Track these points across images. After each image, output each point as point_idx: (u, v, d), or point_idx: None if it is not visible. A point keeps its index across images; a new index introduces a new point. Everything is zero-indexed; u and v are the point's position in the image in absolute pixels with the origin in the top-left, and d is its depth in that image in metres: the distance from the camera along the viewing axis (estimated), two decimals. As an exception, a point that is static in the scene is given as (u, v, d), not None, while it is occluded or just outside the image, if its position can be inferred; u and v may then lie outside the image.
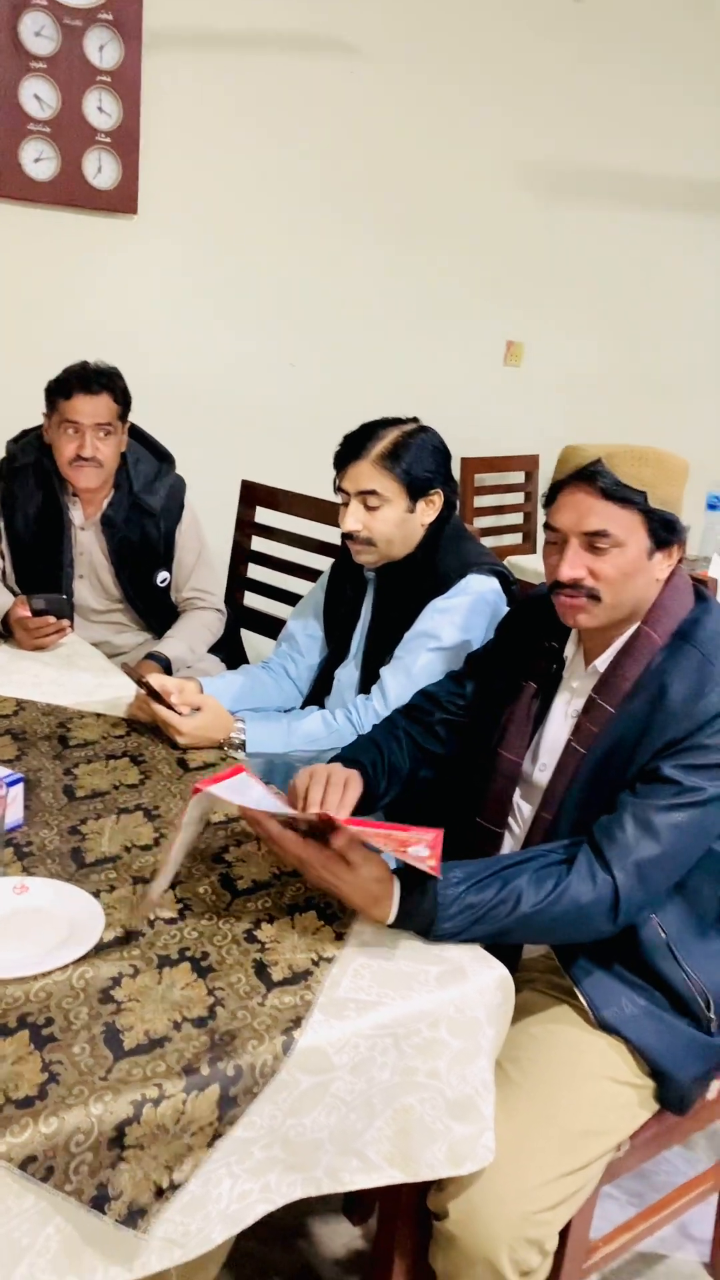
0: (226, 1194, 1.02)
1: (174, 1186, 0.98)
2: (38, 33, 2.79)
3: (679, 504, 1.37)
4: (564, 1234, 1.34)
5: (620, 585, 1.36)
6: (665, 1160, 1.99)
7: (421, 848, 1.19)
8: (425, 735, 1.63)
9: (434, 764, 1.63)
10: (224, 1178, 1.02)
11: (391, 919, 1.21)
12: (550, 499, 1.40)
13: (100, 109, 2.93)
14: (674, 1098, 1.38)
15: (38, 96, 2.83)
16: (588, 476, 1.34)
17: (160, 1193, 0.97)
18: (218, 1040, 1.02)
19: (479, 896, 1.22)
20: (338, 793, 1.39)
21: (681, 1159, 2.01)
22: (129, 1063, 0.98)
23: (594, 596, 1.36)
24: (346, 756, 1.55)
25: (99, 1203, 0.93)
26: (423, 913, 1.21)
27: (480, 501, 3.88)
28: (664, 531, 1.36)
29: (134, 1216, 0.95)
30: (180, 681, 1.71)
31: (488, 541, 3.97)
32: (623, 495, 1.33)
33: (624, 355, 4.30)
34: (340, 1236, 1.76)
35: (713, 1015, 1.38)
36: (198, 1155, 0.99)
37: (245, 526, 2.81)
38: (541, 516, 1.48)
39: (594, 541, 1.34)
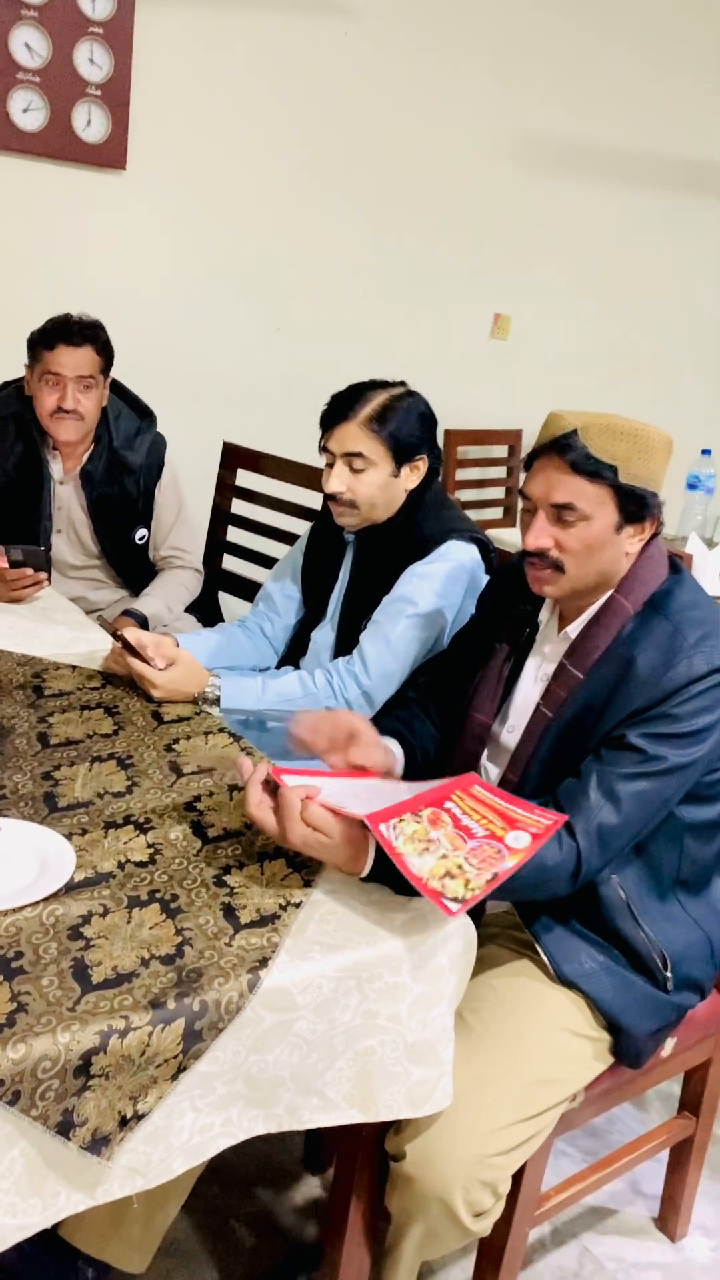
0: (189, 1126, 1.04)
1: (138, 1116, 0.99)
2: (30, -20, 2.75)
3: (657, 479, 1.37)
4: (517, 1180, 1.38)
5: (584, 558, 1.37)
6: (620, 1120, 2.04)
7: (524, 835, 1.17)
8: (425, 720, 1.66)
9: (434, 742, 1.66)
10: (187, 1110, 1.04)
11: (366, 873, 1.23)
12: (528, 465, 1.42)
13: (91, 60, 2.90)
14: (629, 1052, 1.41)
15: (28, 45, 2.80)
16: (560, 448, 1.35)
17: (124, 1122, 0.99)
18: (185, 977, 1.04)
19: None
20: (328, 726, 1.40)
21: (636, 1120, 2.05)
22: (96, 996, 1.00)
23: (558, 567, 1.38)
24: (397, 723, 1.60)
25: (64, 1129, 0.95)
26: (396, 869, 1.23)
27: (462, 474, 3.89)
28: (634, 507, 1.36)
29: (98, 1144, 0.97)
30: (156, 636, 1.72)
31: (469, 514, 4.00)
32: (592, 469, 1.33)
33: (612, 332, 4.31)
34: (300, 1186, 1.80)
35: (669, 974, 1.42)
36: (162, 1087, 1.01)
37: (225, 489, 2.81)
38: (523, 491, 1.49)
39: (561, 514, 1.36)
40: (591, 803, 1.31)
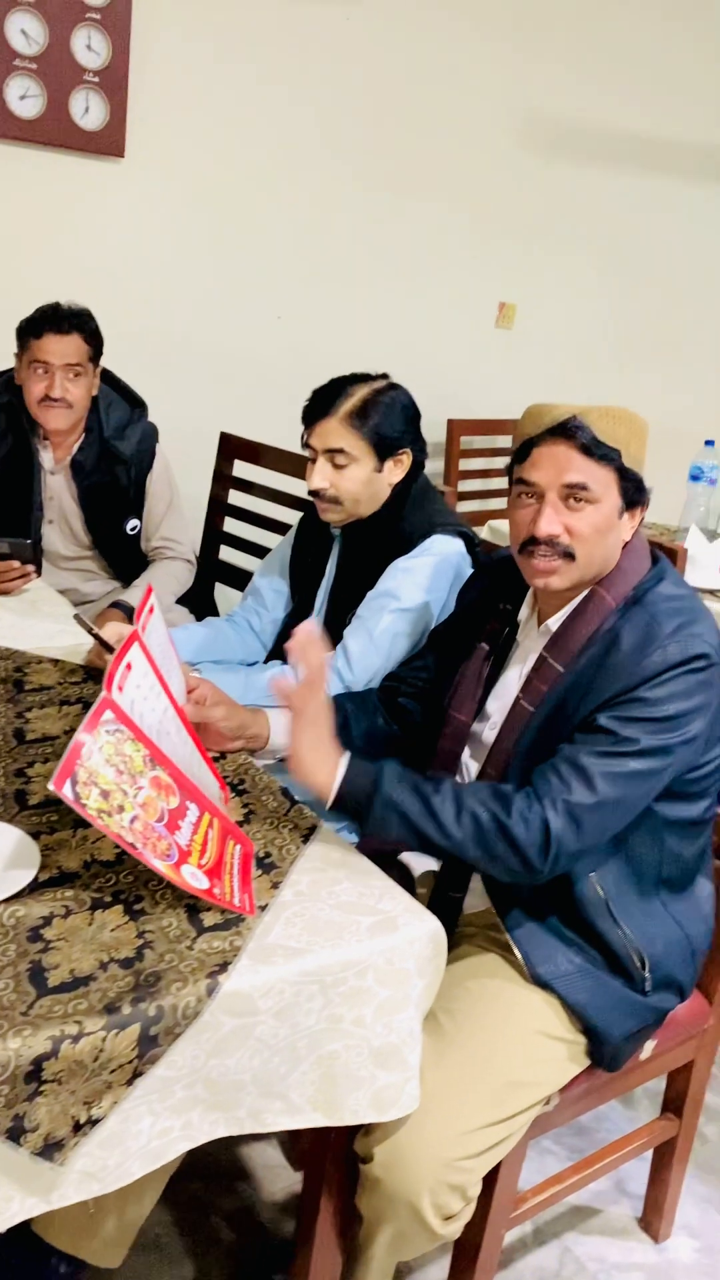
0: (147, 1130, 1.04)
1: (92, 1121, 0.99)
2: (26, -35, 2.72)
3: (643, 464, 1.37)
4: (491, 1181, 1.37)
5: (595, 543, 1.36)
6: (607, 1119, 2.03)
7: (202, 879, 1.14)
8: (390, 714, 1.65)
9: (401, 736, 1.65)
10: (145, 1115, 1.03)
11: (335, 787, 1.29)
12: (523, 455, 1.38)
13: (89, 47, 2.87)
14: (605, 1055, 1.40)
15: (24, 31, 2.77)
16: (566, 432, 1.34)
17: (78, 1127, 0.98)
18: (142, 981, 1.03)
19: (428, 794, 1.29)
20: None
21: (624, 1118, 2.04)
22: (51, 1000, 0.99)
23: (569, 555, 1.36)
24: None
25: (14, 1134, 0.94)
26: (362, 789, 1.29)
27: (465, 464, 3.86)
28: (634, 491, 1.37)
29: (50, 1149, 0.97)
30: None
31: (472, 505, 3.98)
32: (601, 452, 1.33)
33: (619, 321, 4.26)
34: (281, 1181, 1.80)
35: (647, 975, 1.40)
36: (117, 1092, 1.00)
37: (222, 479, 2.79)
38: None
39: (573, 495, 1.34)
40: (561, 778, 1.28)
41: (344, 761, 1.31)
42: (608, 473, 1.34)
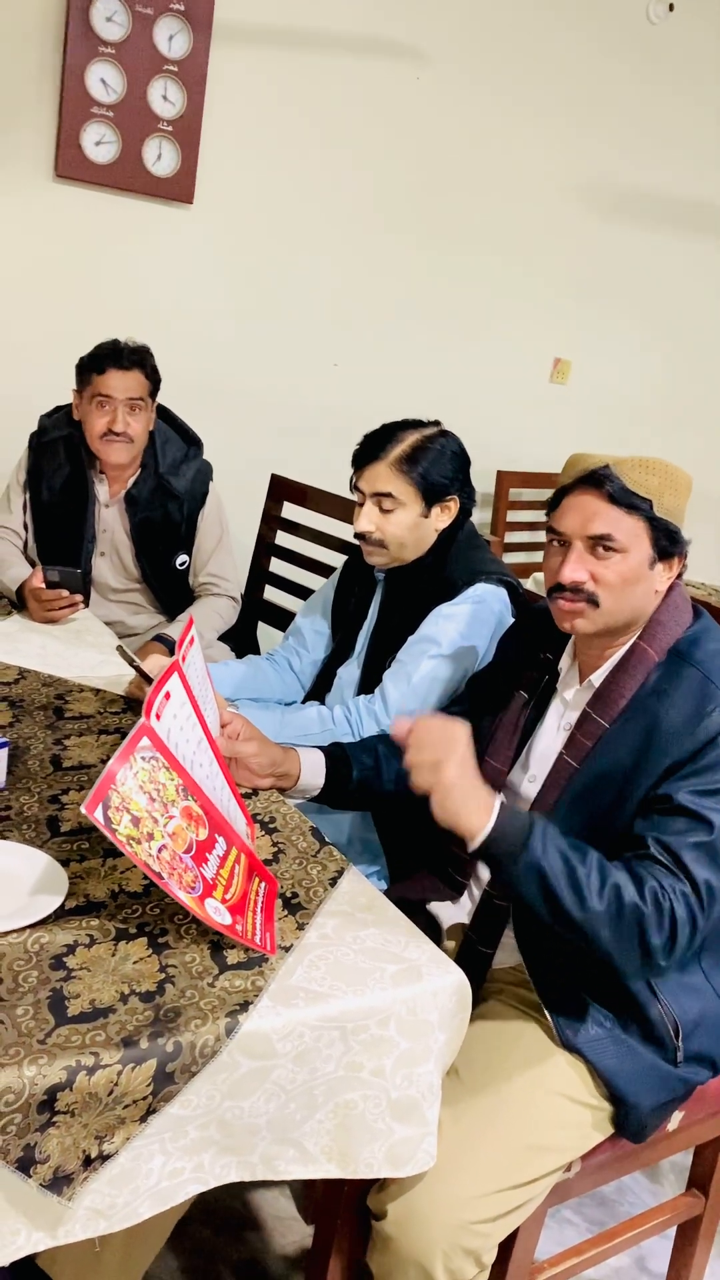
0: (158, 1170, 1.02)
1: (103, 1157, 0.97)
2: (109, 18, 2.82)
3: (682, 516, 1.37)
4: (508, 1250, 1.33)
5: (620, 592, 1.35)
6: (631, 1191, 1.97)
7: (225, 914, 1.13)
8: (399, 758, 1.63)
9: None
10: (156, 1154, 1.02)
11: (488, 830, 1.20)
12: (555, 503, 1.40)
13: (165, 97, 2.96)
14: (631, 1124, 1.35)
15: (104, 81, 2.87)
16: (595, 481, 1.34)
17: (89, 1162, 0.97)
18: (162, 1016, 1.02)
19: (573, 861, 1.21)
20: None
21: (648, 1192, 1.98)
22: (70, 1029, 0.98)
23: (593, 601, 1.35)
24: (338, 745, 1.57)
25: (24, 1165, 0.93)
26: (511, 842, 1.20)
27: (514, 516, 3.87)
28: (667, 542, 1.36)
29: (59, 1183, 0.95)
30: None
31: (518, 556, 3.97)
32: (629, 502, 1.33)
33: (673, 381, 4.27)
34: (292, 1233, 1.76)
35: (680, 1045, 1.36)
36: (130, 1128, 0.99)
37: (271, 520, 2.82)
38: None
39: (598, 546, 1.34)
40: (670, 871, 1.23)
41: (496, 806, 1.23)
42: (636, 522, 1.34)
